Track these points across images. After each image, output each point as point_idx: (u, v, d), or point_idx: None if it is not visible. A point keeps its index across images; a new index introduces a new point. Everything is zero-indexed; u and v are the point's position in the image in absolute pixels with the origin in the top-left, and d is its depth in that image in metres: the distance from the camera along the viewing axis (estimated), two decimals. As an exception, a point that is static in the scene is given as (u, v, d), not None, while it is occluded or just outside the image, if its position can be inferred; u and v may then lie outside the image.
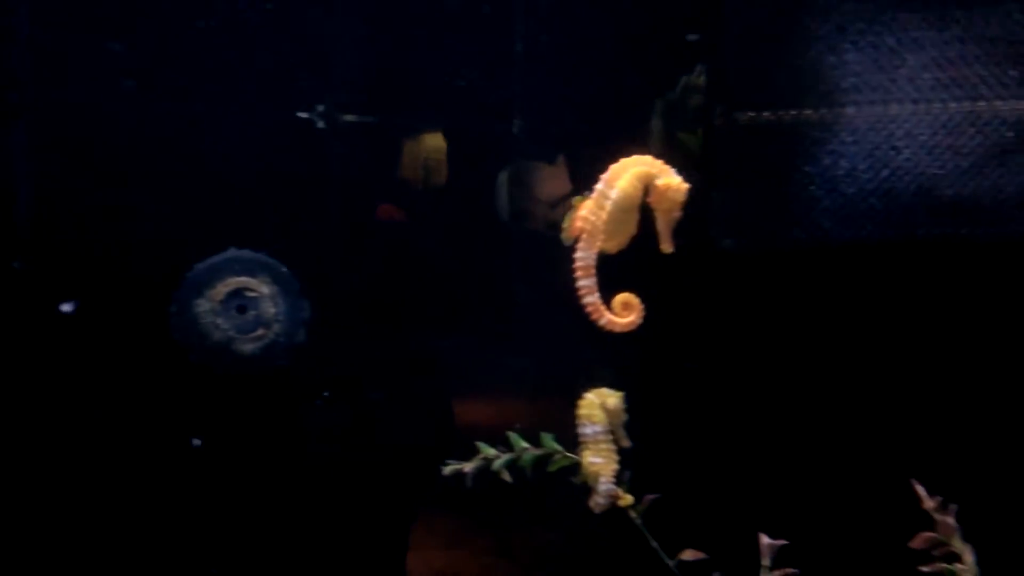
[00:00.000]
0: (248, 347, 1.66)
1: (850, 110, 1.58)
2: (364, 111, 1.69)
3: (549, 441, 1.32)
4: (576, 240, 1.10)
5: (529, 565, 1.74)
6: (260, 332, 1.66)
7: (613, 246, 1.11)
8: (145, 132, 1.65)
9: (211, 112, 1.66)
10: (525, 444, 1.33)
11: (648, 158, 1.09)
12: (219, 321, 1.64)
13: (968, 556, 1.08)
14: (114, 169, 1.65)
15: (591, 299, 1.10)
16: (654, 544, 1.31)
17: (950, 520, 1.08)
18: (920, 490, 1.09)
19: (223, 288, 1.64)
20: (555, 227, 1.11)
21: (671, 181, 1.08)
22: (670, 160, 1.35)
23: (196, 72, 1.65)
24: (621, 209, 1.08)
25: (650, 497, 1.31)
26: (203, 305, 1.64)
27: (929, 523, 1.09)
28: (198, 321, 1.64)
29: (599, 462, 1.26)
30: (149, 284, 1.65)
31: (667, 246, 1.11)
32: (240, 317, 1.65)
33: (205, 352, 1.65)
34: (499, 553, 1.73)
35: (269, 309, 1.66)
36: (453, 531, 1.74)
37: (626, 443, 1.28)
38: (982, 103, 1.55)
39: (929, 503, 1.08)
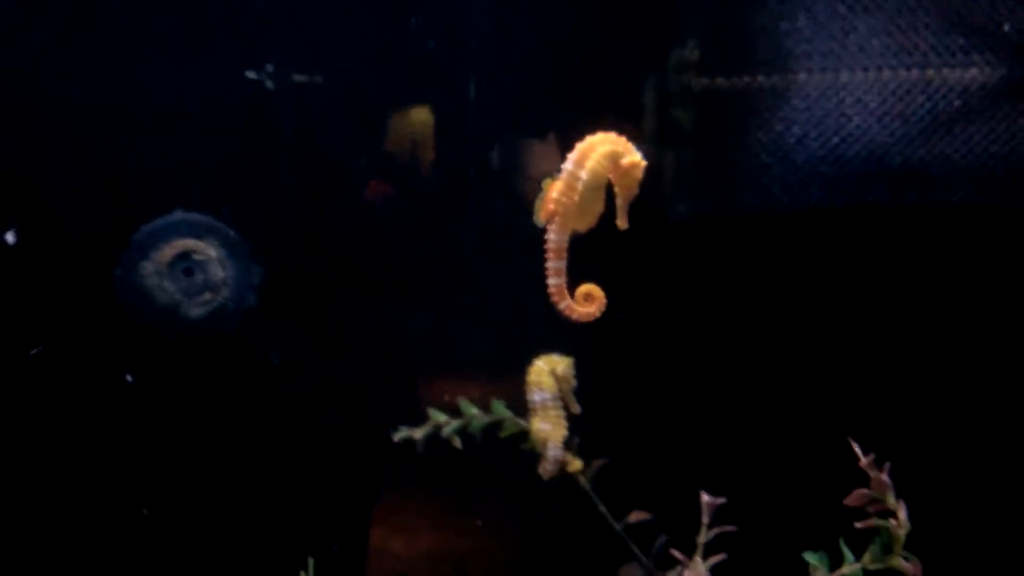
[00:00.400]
0: (196, 311, 1.63)
1: (802, 77, 1.58)
2: (315, 71, 1.66)
3: (499, 408, 1.33)
4: (548, 222, 1.09)
5: (515, 543, 1.74)
6: (208, 296, 1.63)
7: (584, 226, 1.12)
8: (92, 90, 1.61)
9: (159, 71, 1.62)
10: (475, 411, 1.33)
11: (612, 135, 1.09)
12: (165, 284, 1.61)
13: (901, 512, 1.10)
14: (58, 129, 1.61)
15: (556, 281, 1.11)
16: (602, 508, 1.32)
17: (884, 477, 1.10)
18: (856, 448, 1.11)
19: (169, 251, 1.61)
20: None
21: (634, 159, 1.09)
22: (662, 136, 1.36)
23: (146, 29, 1.61)
24: (592, 189, 1.08)
25: (599, 462, 1.32)
26: (149, 268, 1.61)
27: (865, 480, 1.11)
28: (144, 284, 1.61)
29: (547, 428, 1.27)
30: (94, 246, 1.62)
31: (624, 222, 1.12)
32: (187, 280, 1.63)
33: (152, 316, 1.62)
34: (485, 532, 1.73)
35: (217, 273, 1.63)
36: (439, 512, 1.74)
37: (576, 409, 1.28)
38: (931, 71, 1.56)
39: (864, 461, 1.10)
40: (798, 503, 1.47)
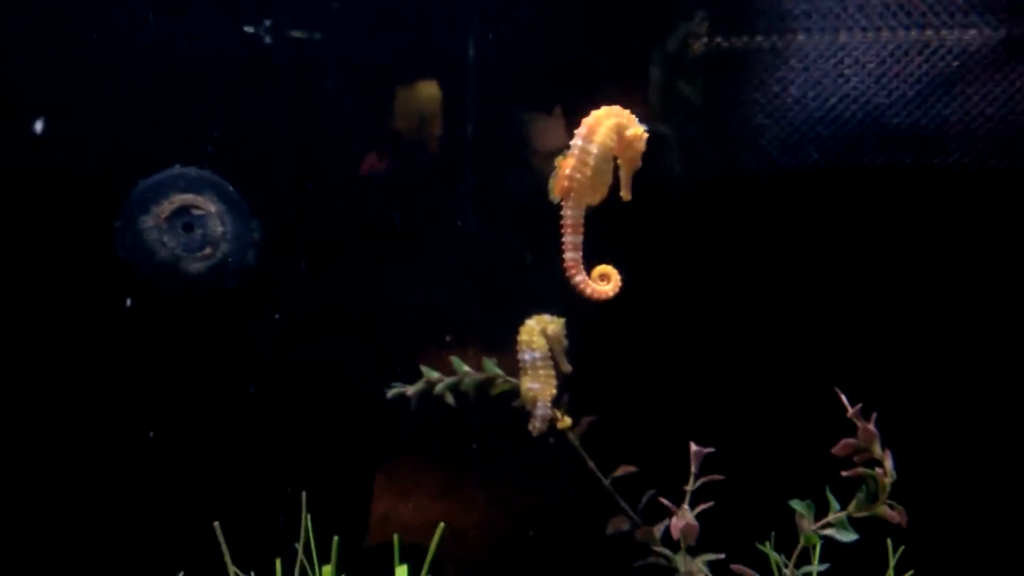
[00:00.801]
0: (195, 266, 1.64)
1: (801, 37, 1.58)
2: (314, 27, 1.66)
3: (490, 366, 1.34)
4: (563, 199, 1.12)
5: (520, 513, 1.76)
6: (207, 251, 1.64)
7: (596, 199, 1.14)
8: (90, 44, 1.60)
9: (158, 25, 1.62)
10: (467, 368, 1.34)
11: (617, 108, 1.12)
12: (165, 239, 1.62)
13: (887, 461, 1.11)
14: (57, 81, 1.61)
15: (573, 255, 1.13)
16: (591, 465, 1.34)
17: (871, 427, 1.11)
18: (843, 399, 1.12)
19: (168, 205, 1.62)
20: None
21: (637, 131, 1.12)
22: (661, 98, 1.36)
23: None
24: (602, 162, 1.11)
25: (588, 419, 1.34)
26: (148, 222, 1.62)
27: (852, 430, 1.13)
28: (143, 239, 1.62)
29: (537, 387, 1.29)
30: (93, 200, 1.62)
31: (627, 194, 1.15)
32: (186, 235, 1.63)
33: (151, 270, 1.63)
34: (491, 502, 1.75)
35: (216, 228, 1.64)
36: (445, 481, 1.76)
37: (567, 368, 1.30)
38: (930, 31, 1.56)
39: (851, 411, 1.11)
40: (786, 453, 1.49)
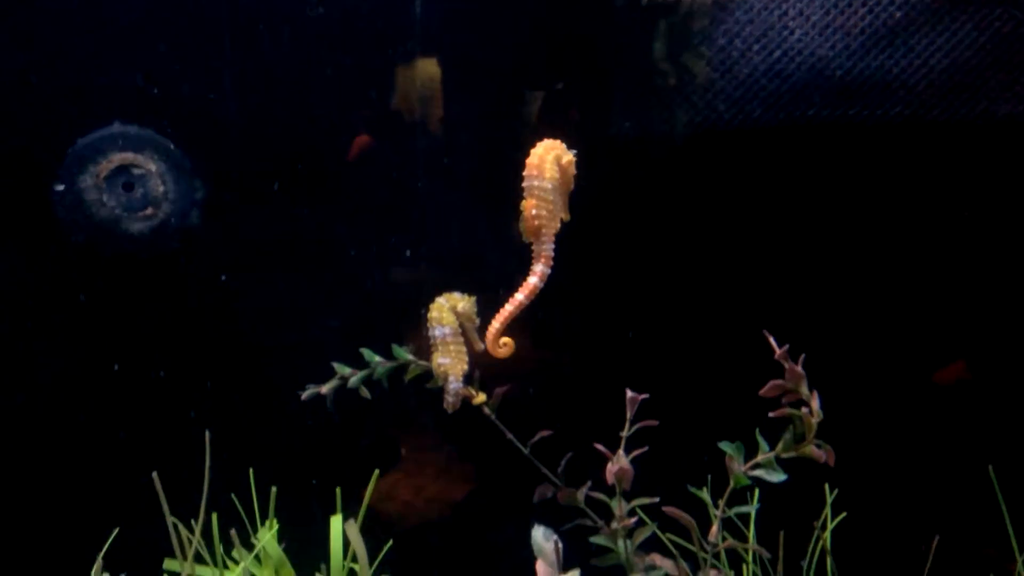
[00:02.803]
0: (137, 226, 1.62)
1: (745, -10, 1.57)
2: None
3: (401, 352, 1.34)
4: (535, 236, 1.21)
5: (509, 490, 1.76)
6: (149, 211, 1.62)
7: (558, 225, 1.23)
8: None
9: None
10: (379, 358, 1.34)
11: (549, 141, 1.20)
12: (104, 198, 1.60)
13: (814, 402, 1.12)
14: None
15: (528, 292, 1.23)
16: (509, 436, 1.34)
17: (798, 368, 1.11)
18: (771, 340, 1.12)
19: (107, 164, 1.59)
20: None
21: (568, 156, 1.21)
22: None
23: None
24: (556, 193, 1.20)
25: (500, 391, 1.34)
26: (87, 181, 1.59)
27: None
28: (82, 198, 1.59)
29: (447, 363, 1.29)
30: (30, 159, 1.59)
31: (566, 214, 1.23)
32: (127, 195, 1.61)
33: (91, 231, 1.61)
34: (482, 480, 1.76)
35: (158, 187, 1.62)
36: (442, 461, 1.77)
37: (479, 347, 1.30)
38: (873, -18, 1.56)
39: (779, 352, 1.12)
40: (718, 397, 1.49)
